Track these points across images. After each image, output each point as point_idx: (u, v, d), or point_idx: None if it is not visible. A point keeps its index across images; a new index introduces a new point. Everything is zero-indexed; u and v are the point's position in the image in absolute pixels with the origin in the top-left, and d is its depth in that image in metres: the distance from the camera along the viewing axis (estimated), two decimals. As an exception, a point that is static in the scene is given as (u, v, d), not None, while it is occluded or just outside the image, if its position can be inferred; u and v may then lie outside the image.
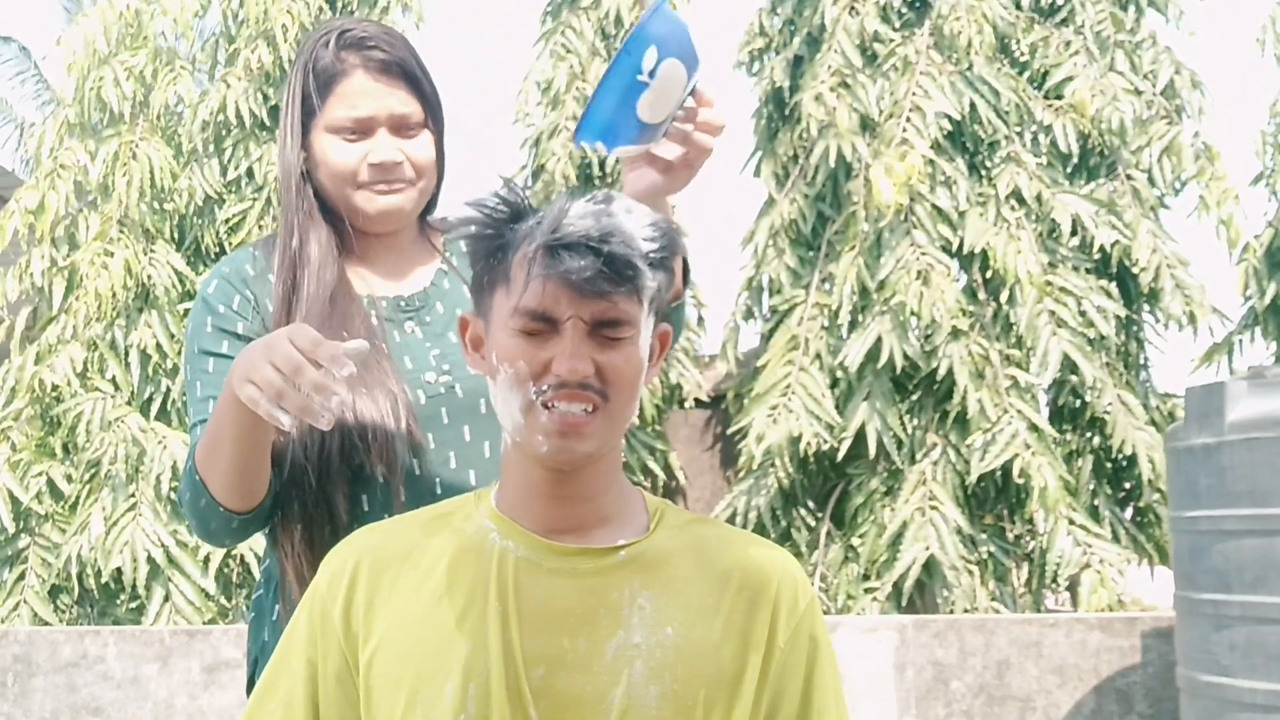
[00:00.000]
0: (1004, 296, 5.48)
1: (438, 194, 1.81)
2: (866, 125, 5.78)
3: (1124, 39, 6.01)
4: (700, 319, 6.68)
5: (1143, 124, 5.87)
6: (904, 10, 6.06)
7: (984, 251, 5.43)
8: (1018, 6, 6.05)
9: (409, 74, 1.69)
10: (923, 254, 5.37)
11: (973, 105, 5.60)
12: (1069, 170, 5.95)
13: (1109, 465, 5.66)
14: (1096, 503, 5.52)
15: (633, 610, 1.23)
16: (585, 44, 6.66)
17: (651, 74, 1.37)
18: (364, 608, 1.25)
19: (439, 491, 1.61)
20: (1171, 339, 5.87)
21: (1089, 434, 5.67)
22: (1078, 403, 5.63)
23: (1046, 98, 5.88)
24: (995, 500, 5.56)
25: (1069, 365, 5.33)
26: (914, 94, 5.60)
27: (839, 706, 1.30)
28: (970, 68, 5.66)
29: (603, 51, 6.68)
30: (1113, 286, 5.66)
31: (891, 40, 5.86)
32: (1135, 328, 5.90)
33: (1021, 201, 5.55)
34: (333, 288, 1.67)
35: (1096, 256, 5.69)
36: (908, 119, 5.53)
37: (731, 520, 5.42)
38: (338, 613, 1.26)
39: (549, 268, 1.18)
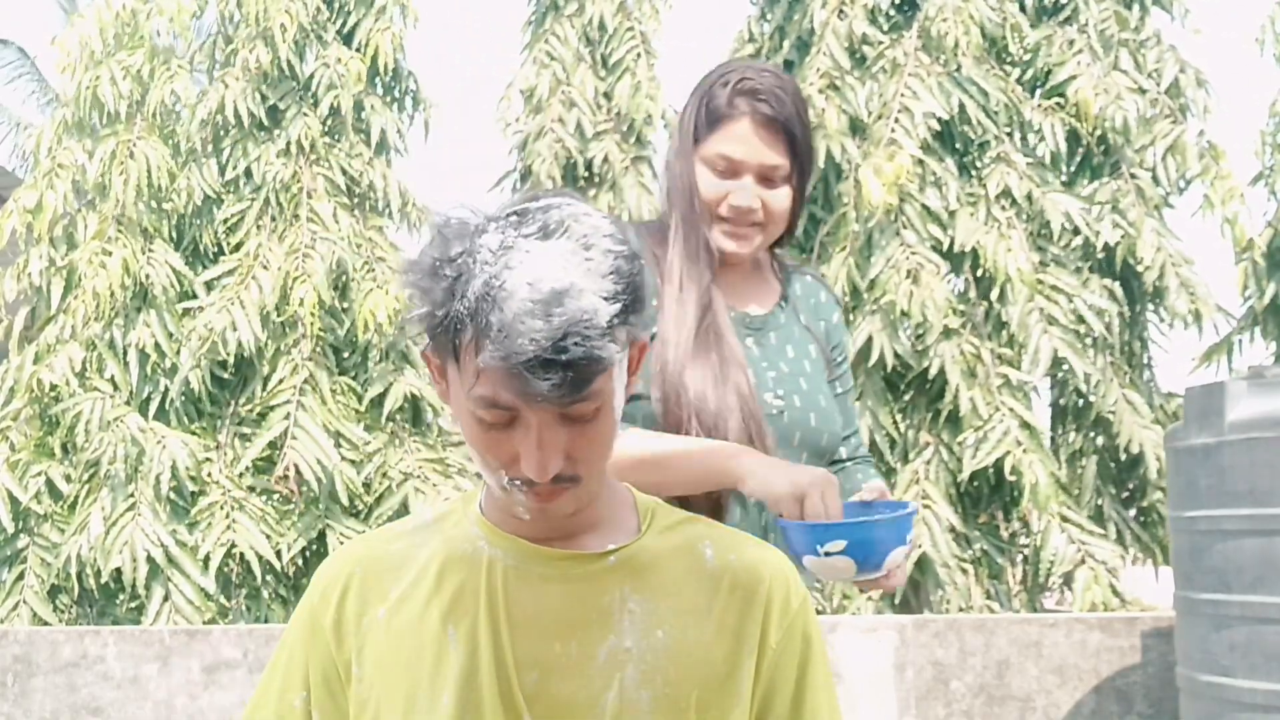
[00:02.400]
0: (995, 295, 5.50)
1: (792, 229, 1.97)
2: (855, 127, 5.80)
3: (1128, 37, 6.01)
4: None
5: (1147, 123, 5.88)
6: (892, 13, 6.08)
7: (974, 250, 5.45)
8: (1021, 7, 6.05)
9: (789, 132, 1.86)
10: (912, 253, 5.40)
11: (961, 106, 5.62)
12: (1072, 169, 5.96)
13: (1113, 465, 5.67)
14: (1100, 502, 5.53)
15: (623, 614, 1.23)
16: (570, 50, 6.68)
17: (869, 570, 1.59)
18: (356, 617, 1.26)
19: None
20: (1176, 338, 5.87)
21: (1093, 433, 5.68)
22: (1081, 402, 5.65)
23: (1048, 96, 5.89)
24: (989, 499, 5.58)
25: (1067, 364, 5.34)
26: (902, 95, 5.62)
27: (831, 706, 1.30)
28: (959, 69, 5.68)
29: (586, 57, 6.70)
30: (1116, 285, 5.67)
31: (880, 43, 5.89)
32: (1139, 327, 5.91)
33: (1012, 201, 5.57)
34: (709, 296, 1.87)
35: (1100, 255, 5.69)
36: (896, 120, 5.55)
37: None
38: (328, 623, 1.27)
39: (505, 384, 1.08)
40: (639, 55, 6.63)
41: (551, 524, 1.21)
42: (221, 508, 5.46)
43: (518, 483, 1.16)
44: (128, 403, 5.69)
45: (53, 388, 5.71)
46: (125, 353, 5.77)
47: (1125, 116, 5.72)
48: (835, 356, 2.00)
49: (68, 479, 5.61)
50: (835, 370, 1.99)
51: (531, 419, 1.11)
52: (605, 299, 1.07)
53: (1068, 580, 5.17)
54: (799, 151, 1.87)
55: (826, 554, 1.52)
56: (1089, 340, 5.46)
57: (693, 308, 1.84)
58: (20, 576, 5.47)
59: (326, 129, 6.21)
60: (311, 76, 6.12)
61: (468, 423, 1.15)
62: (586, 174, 6.56)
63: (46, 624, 5.36)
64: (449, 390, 1.18)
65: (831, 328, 2.02)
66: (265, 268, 5.74)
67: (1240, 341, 5.65)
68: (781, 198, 1.87)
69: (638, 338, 1.18)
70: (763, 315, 1.94)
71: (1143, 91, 5.92)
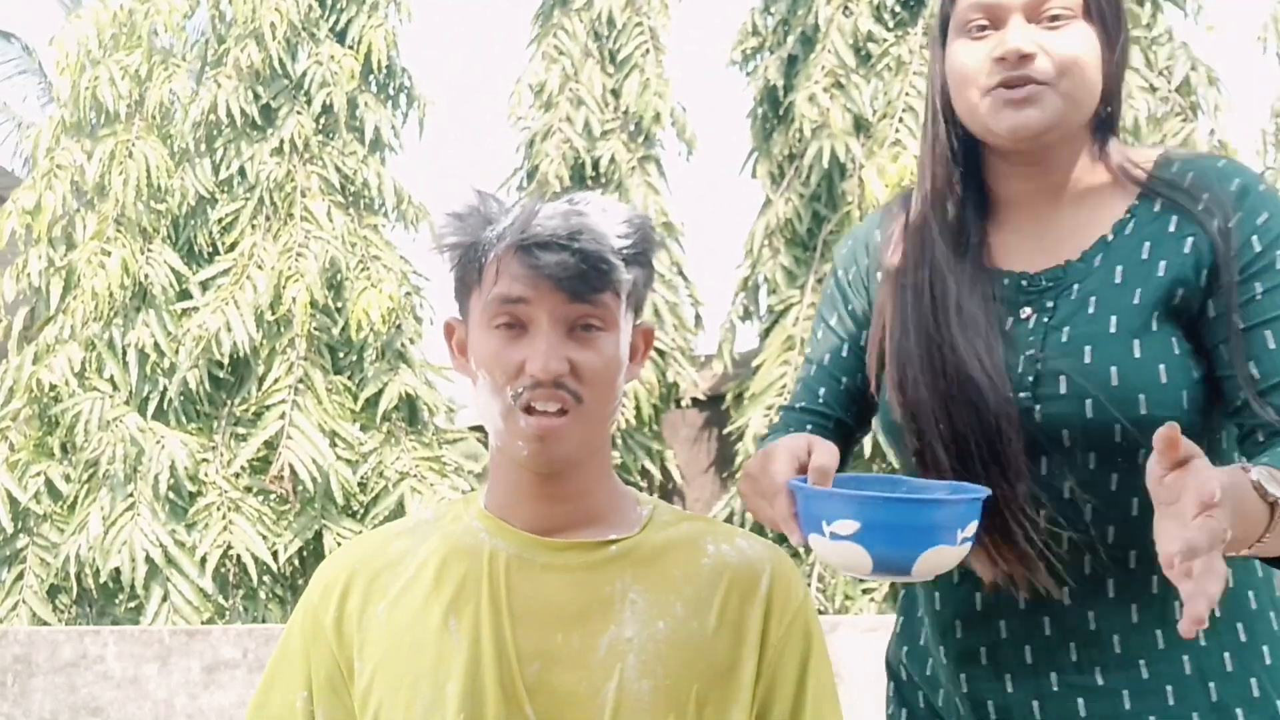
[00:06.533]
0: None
1: (1116, 110, 1.39)
2: (860, 125, 5.78)
3: (1140, 34, 5.96)
4: (698, 318, 6.68)
5: (1158, 121, 5.83)
6: (898, 9, 6.05)
7: (981, 250, 5.43)
8: None
9: None
10: (918, 253, 5.38)
11: (968, 105, 5.60)
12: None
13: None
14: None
15: (625, 605, 1.23)
16: (578, 45, 6.67)
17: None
18: (357, 615, 1.27)
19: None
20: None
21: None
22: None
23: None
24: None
25: None
26: (907, 94, 5.60)
27: (833, 702, 1.30)
28: (966, 67, 5.65)
29: (595, 53, 6.70)
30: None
31: (885, 40, 5.86)
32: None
33: (1019, 200, 5.55)
34: (956, 294, 1.36)
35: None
36: (900, 119, 5.53)
37: (729, 521, 5.43)
38: (329, 622, 1.28)
39: (520, 264, 1.19)
40: (647, 51, 6.62)
41: (551, 458, 1.22)
42: (218, 509, 5.46)
43: (522, 393, 1.20)
44: (127, 402, 5.69)
45: (52, 388, 5.71)
46: (124, 352, 5.77)
47: (1136, 115, 5.67)
48: (1237, 265, 1.28)
49: (67, 479, 5.61)
50: (1238, 291, 1.27)
51: (542, 319, 1.19)
52: (617, 236, 1.22)
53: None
54: None
55: (833, 535, 1.11)
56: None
57: (918, 282, 1.37)
58: (20, 576, 5.48)
59: (320, 127, 6.20)
60: (304, 74, 6.12)
61: (483, 343, 1.23)
62: (594, 174, 6.56)
63: (46, 624, 5.36)
64: (469, 335, 1.27)
65: (1229, 227, 1.29)
66: (260, 267, 5.74)
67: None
68: (1071, 39, 1.30)
69: (642, 301, 1.29)
70: (1057, 267, 1.35)
71: (1154, 89, 5.87)
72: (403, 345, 5.98)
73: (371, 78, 6.47)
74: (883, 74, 5.80)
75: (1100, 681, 1.31)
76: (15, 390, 5.78)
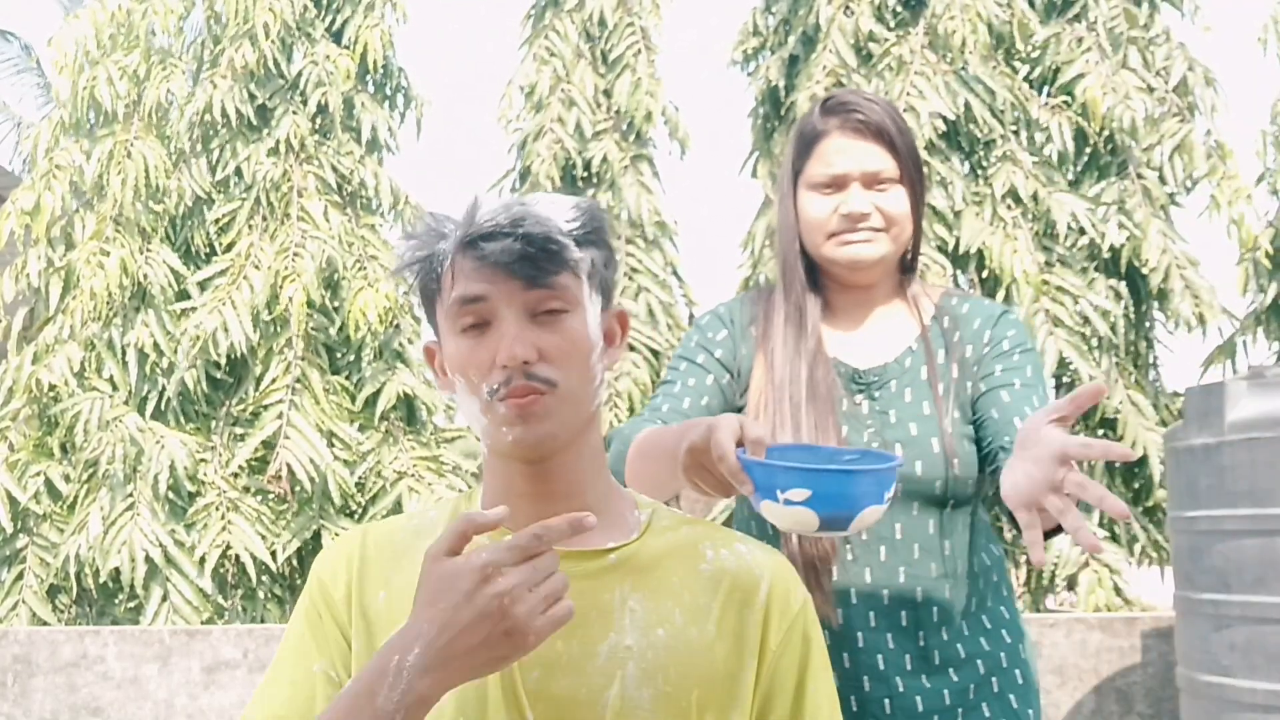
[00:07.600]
0: (1000, 296, 5.47)
1: (916, 250, 1.93)
2: (861, 125, 5.76)
3: (1137, 35, 5.94)
4: (692, 317, 6.67)
5: (1154, 122, 5.81)
6: (899, 9, 6.04)
7: (980, 251, 5.42)
8: (1030, 4, 5.99)
9: (884, 134, 1.82)
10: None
11: (968, 105, 5.59)
12: (1079, 168, 5.91)
13: (1120, 466, 5.63)
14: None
15: (624, 612, 1.23)
16: (569, 46, 6.66)
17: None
18: (358, 597, 1.27)
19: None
20: (1182, 338, 5.80)
21: (1099, 434, 5.64)
22: (1087, 403, 5.61)
23: (1055, 95, 5.85)
24: (993, 501, 5.54)
25: (1073, 365, 5.31)
26: (908, 94, 5.58)
27: (831, 708, 1.30)
28: (965, 67, 5.65)
29: (586, 54, 6.69)
30: (1122, 286, 5.63)
31: (886, 40, 5.85)
32: (1147, 326, 5.86)
33: (1018, 200, 5.54)
34: (811, 357, 1.83)
35: (1106, 255, 5.65)
36: (901, 119, 5.52)
37: (729, 522, 5.41)
38: (340, 597, 1.28)
39: (470, 260, 1.21)
40: (639, 51, 6.61)
41: (537, 436, 1.22)
42: (217, 508, 5.45)
43: (497, 391, 1.20)
44: (126, 402, 5.69)
45: (51, 388, 5.71)
46: (124, 352, 5.77)
47: (1133, 116, 5.64)
48: (988, 355, 1.85)
49: (67, 479, 5.61)
50: (988, 368, 1.83)
51: (504, 311, 1.20)
52: (565, 220, 1.23)
53: (1072, 583, 5.14)
54: (901, 154, 1.84)
55: (787, 501, 1.34)
56: (1095, 341, 5.42)
57: (788, 370, 1.82)
58: (19, 576, 5.47)
59: (316, 127, 6.20)
60: (300, 74, 6.11)
61: (455, 349, 1.24)
62: (585, 174, 6.55)
63: (46, 624, 5.36)
64: (442, 350, 1.28)
65: (983, 332, 1.88)
66: (257, 267, 5.73)
67: (1244, 343, 5.59)
68: (894, 200, 1.83)
69: (608, 283, 1.29)
70: (878, 367, 1.85)
71: (1150, 90, 5.85)
72: (400, 345, 5.97)
73: (368, 78, 6.47)
74: (884, 74, 5.78)
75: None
76: (15, 390, 5.77)
